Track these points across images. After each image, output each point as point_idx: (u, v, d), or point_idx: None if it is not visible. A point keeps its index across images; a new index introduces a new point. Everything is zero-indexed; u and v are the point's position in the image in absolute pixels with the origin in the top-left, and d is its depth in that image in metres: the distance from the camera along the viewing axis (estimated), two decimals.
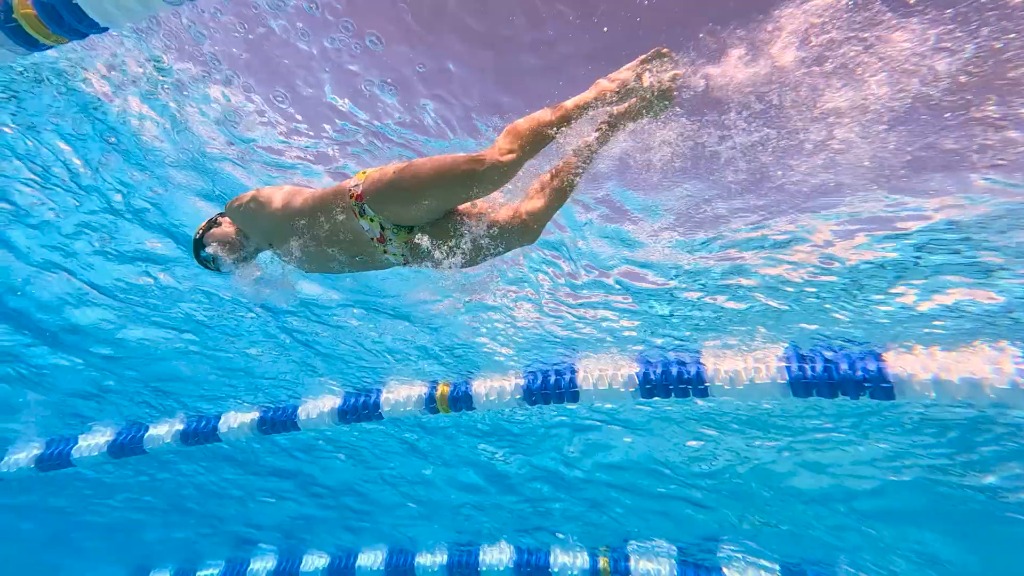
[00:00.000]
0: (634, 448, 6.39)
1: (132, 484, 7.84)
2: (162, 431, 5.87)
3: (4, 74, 3.23)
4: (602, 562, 6.91)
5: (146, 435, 5.90)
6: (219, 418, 5.73)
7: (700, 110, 2.66)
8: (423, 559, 7.51)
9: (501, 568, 7.26)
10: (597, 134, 2.46)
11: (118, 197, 4.02)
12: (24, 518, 8.81)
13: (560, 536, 7.69)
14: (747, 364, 4.18)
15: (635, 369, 4.56)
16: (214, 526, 8.68)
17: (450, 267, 2.45)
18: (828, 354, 4.18)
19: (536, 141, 2.29)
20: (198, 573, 8.44)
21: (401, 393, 5.11)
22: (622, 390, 4.55)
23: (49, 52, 3.02)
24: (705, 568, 6.94)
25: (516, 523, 7.95)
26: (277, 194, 2.57)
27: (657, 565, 6.84)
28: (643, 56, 2.38)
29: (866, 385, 3.86)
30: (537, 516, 7.84)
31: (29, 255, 4.46)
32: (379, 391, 5.30)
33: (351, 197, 2.38)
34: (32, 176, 3.92)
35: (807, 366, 4.10)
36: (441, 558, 7.46)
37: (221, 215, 2.79)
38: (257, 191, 2.64)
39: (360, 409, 5.22)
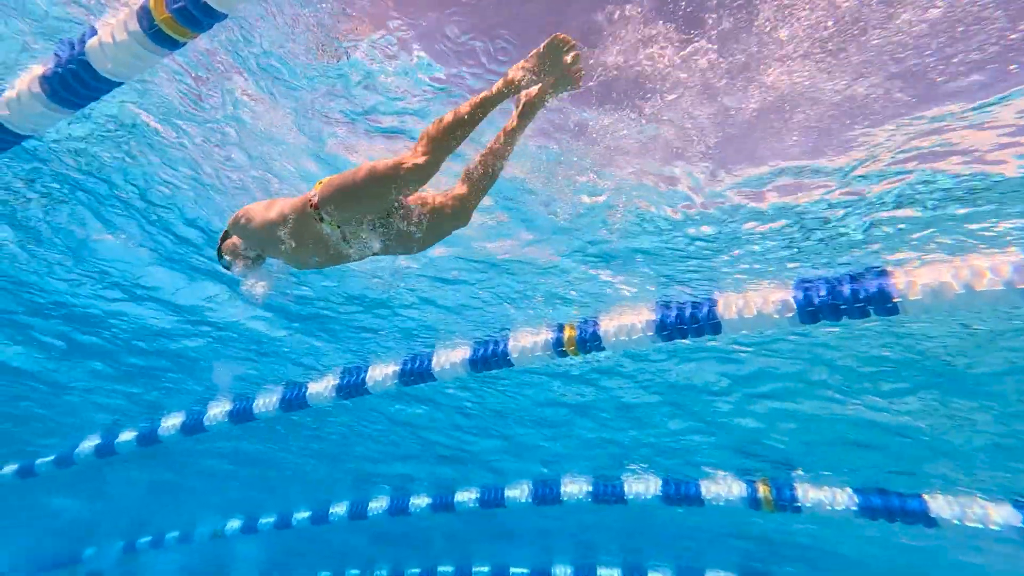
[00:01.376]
0: (787, 376, 5.77)
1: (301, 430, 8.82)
2: (320, 387, 6.43)
3: None
4: (762, 490, 6.50)
5: (308, 392, 6.51)
6: (366, 371, 6.11)
7: None
8: (569, 487, 7.64)
9: (648, 496, 7.23)
10: (515, 122, 2.76)
11: None
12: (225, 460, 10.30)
13: (707, 470, 7.43)
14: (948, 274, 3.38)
15: (789, 293, 3.95)
16: (375, 468, 9.59)
17: (405, 251, 2.93)
18: None
19: (447, 140, 2.56)
20: (371, 503, 9.40)
21: (528, 340, 4.97)
22: (776, 316, 3.99)
23: None
24: (898, 495, 6.15)
25: (662, 456, 7.79)
26: (260, 208, 2.93)
27: (829, 492, 6.24)
28: (543, 45, 2.52)
29: None
30: (683, 451, 7.60)
31: None
32: (506, 339, 5.23)
33: (311, 207, 2.75)
34: None
35: None
36: (586, 487, 7.54)
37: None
38: (246, 208, 2.99)
39: (490, 358, 5.19)
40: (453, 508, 8.31)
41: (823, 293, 3.84)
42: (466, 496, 8.32)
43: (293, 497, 10.06)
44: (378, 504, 8.97)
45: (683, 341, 4.79)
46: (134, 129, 4.05)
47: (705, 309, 4.28)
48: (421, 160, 2.53)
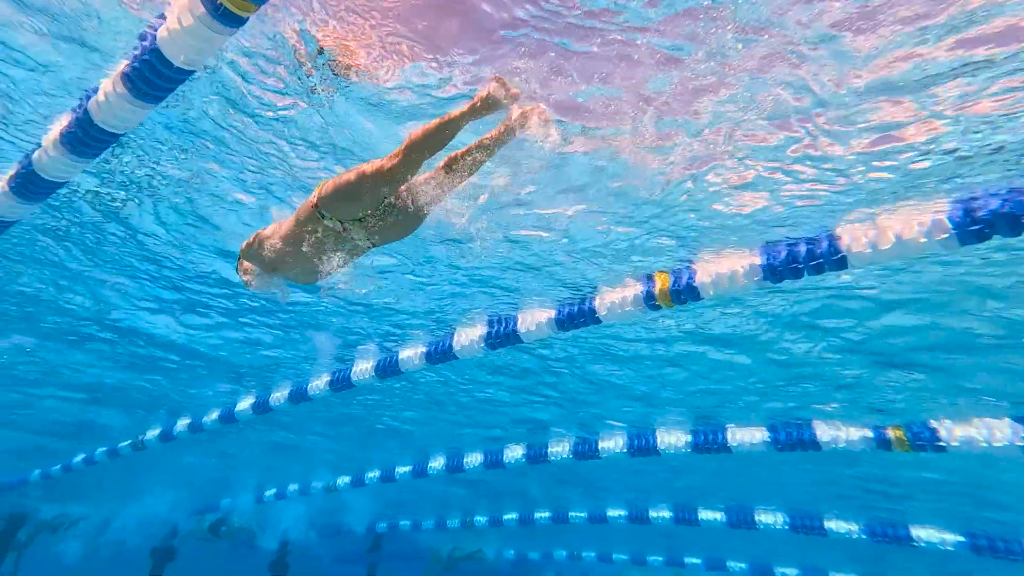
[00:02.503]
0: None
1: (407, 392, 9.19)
2: (411, 353, 6.61)
3: None
4: (893, 433, 5.98)
5: (399, 358, 6.72)
6: (452, 336, 6.19)
7: None
8: (666, 438, 7.52)
9: (755, 442, 6.94)
10: (482, 149, 3.07)
11: None
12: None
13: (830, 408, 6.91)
14: None
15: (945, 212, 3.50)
16: (475, 422, 9.86)
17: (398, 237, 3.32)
18: None
19: (420, 149, 2.89)
20: (466, 458, 9.77)
21: (616, 295, 4.74)
22: (922, 240, 3.50)
23: None
24: None
25: (774, 404, 7.36)
26: (267, 231, 3.36)
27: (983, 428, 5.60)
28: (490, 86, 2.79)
29: None
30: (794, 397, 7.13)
31: None
32: (592, 296, 5.04)
33: (313, 207, 3.11)
34: None
35: None
36: (685, 438, 7.36)
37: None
38: (255, 234, 3.43)
39: (576, 316, 5.03)
40: (547, 460, 8.43)
41: (986, 209, 3.32)
42: (560, 448, 8.40)
43: (395, 454, 10.69)
44: (473, 458, 9.32)
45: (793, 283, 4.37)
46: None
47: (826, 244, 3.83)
48: (396, 162, 2.91)
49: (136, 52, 2.93)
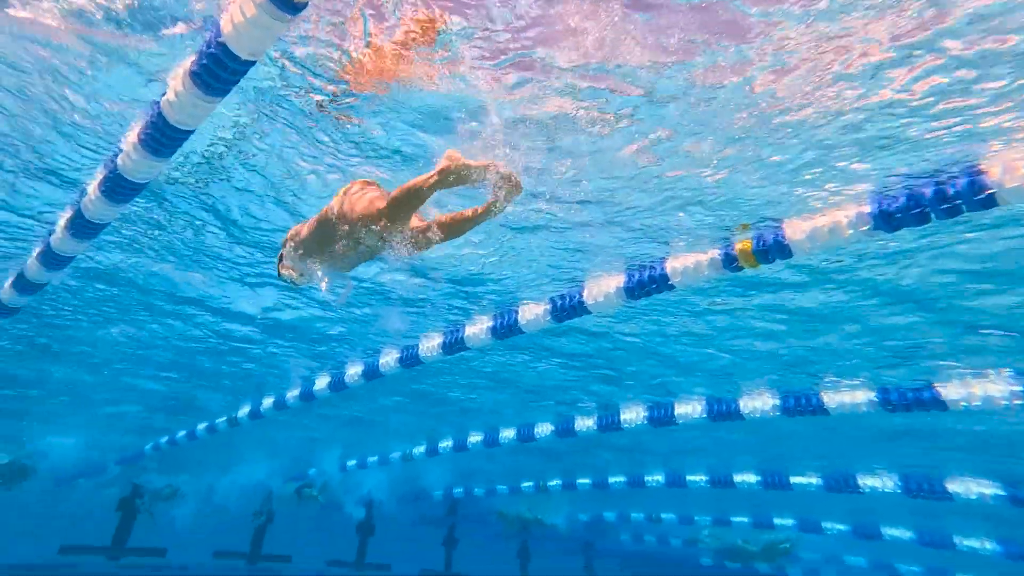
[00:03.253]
0: None
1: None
2: (474, 329, 6.65)
3: None
4: None
5: (464, 335, 6.77)
6: (517, 311, 6.16)
7: None
8: (749, 403, 7.25)
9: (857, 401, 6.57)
10: (475, 215, 3.34)
11: None
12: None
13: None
14: None
15: None
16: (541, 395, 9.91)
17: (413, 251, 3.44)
18: None
19: (405, 206, 3.16)
20: (536, 428, 9.86)
21: (689, 259, 4.51)
22: None
23: None
24: None
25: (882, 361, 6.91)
26: (301, 230, 3.63)
27: None
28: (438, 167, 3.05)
29: None
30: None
31: None
32: (662, 261, 4.82)
33: (382, 209, 3.24)
34: None
35: None
36: (773, 400, 7.08)
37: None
38: (290, 232, 3.72)
39: (647, 283, 4.84)
40: (620, 428, 8.37)
41: None
42: (633, 415, 8.30)
43: (467, 425, 10.97)
44: (544, 428, 9.40)
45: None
46: None
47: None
48: (436, 179, 3.04)
49: (201, 48, 2.96)
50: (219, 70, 2.96)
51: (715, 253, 4.36)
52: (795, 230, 3.96)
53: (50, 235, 5.21)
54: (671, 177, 4.25)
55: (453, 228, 3.43)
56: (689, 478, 11.10)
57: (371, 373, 7.98)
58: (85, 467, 15.01)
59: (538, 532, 18.50)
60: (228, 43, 2.80)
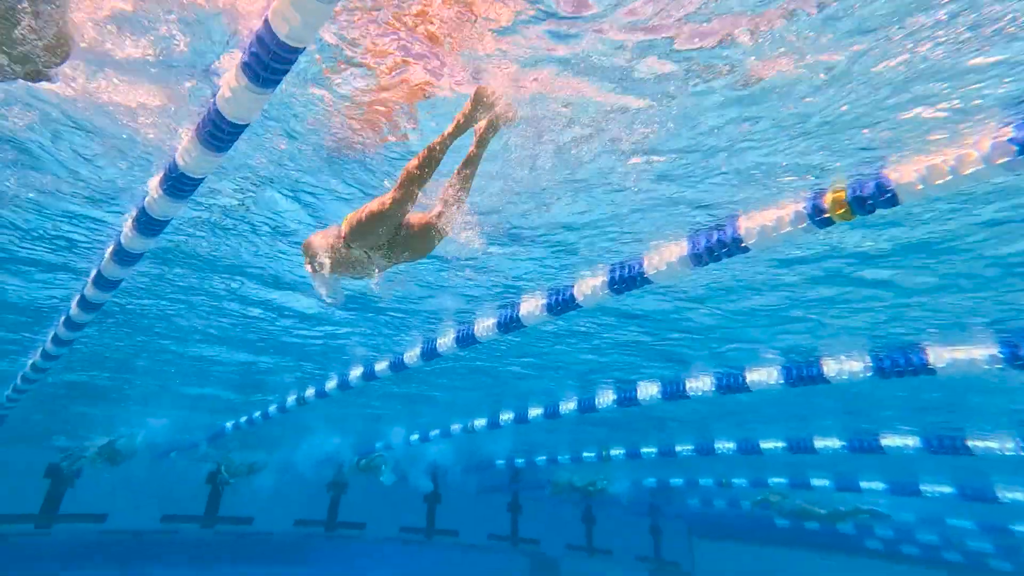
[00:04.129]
0: None
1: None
2: (531, 306, 6.54)
3: None
4: None
5: (521, 314, 6.68)
6: (572, 288, 6.02)
7: None
8: (832, 366, 6.89)
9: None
10: (473, 150, 3.58)
11: None
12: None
13: None
14: None
15: None
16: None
17: (412, 258, 3.77)
18: None
19: (417, 176, 3.36)
20: (597, 398, 9.76)
21: (767, 216, 4.17)
22: None
23: None
24: None
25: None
26: (316, 239, 3.83)
27: None
28: (470, 98, 3.39)
29: None
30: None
31: None
32: (735, 220, 4.51)
33: (340, 239, 3.61)
34: None
35: None
36: (865, 363, 6.65)
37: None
38: (307, 240, 3.92)
39: (718, 247, 4.56)
40: (687, 396, 8.15)
41: None
42: (698, 385, 8.06)
43: (526, 397, 11.02)
44: (605, 398, 9.30)
45: None
46: None
47: None
48: (399, 195, 3.34)
49: (250, 40, 2.91)
50: (270, 60, 2.91)
51: (799, 205, 4.00)
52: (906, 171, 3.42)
53: (119, 234, 5.45)
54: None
55: (454, 190, 3.60)
56: (764, 444, 10.73)
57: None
58: (177, 444, 16.36)
59: (600, 498, 18.72)
60: (275, 29, 2.74)
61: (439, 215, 3.59)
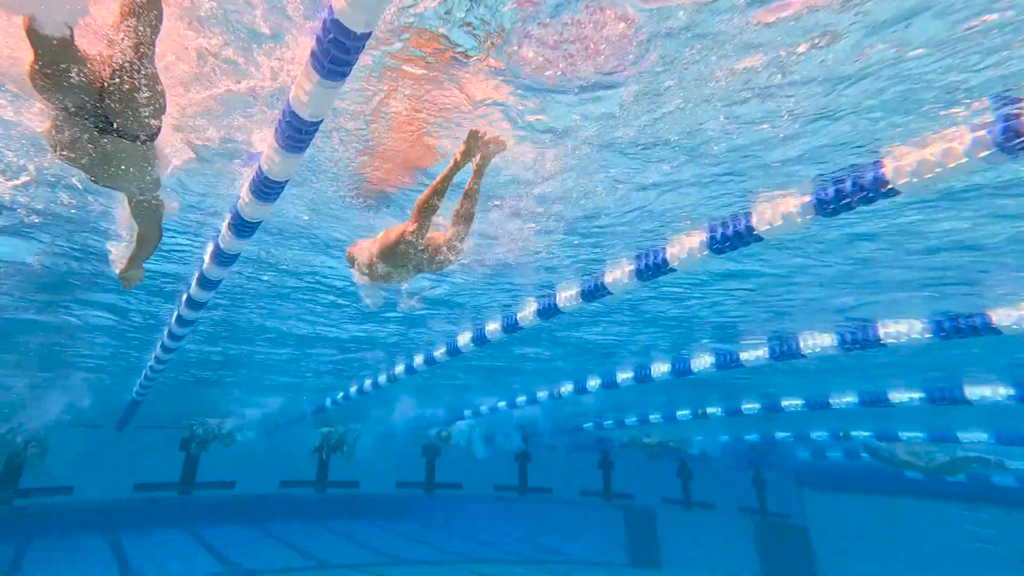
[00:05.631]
0: None
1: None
2: (618, 274, 6.16)
3: None
4: None
5: (607, 282, 6.32)
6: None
7: None
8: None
9: None
10: (473, 182, 4.15)
11: None
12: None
13: None
14: None
15: None
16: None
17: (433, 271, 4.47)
18: None
19: (429, 206, 3.89)
20: (692, 361, 9.38)
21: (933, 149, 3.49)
22: None
23: None
24: None
25: None
26: (357, 251, 4.57)
27: None
28: (464, 138, 3.83)
29: None
30: None
31: None
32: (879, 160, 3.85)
33: (374, 256, 4.31)
34: None
35: None
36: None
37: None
38: (349, 250, 4.70)
39: (850, 193, 3.95)
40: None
41: None
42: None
43: (616, 363, 10.81)
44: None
45: None
46: None
47: None
48: (415, 226, 3.92)
49: (317, 33, 2.69)
50: (338, 51, 2.69)
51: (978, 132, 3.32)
52: None
53: (216, 234, 5.62)
54: None
55: (463, 213, 4.22)
56: (895, 396, 9.90)
57: (510, 327, 7.92)
58: (288, 419, 17.92)
59: (675, 454, 18.63)
60: (341, 20, 2.50)
61: (455, 235, 4.25)
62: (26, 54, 2.52)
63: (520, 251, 6.31)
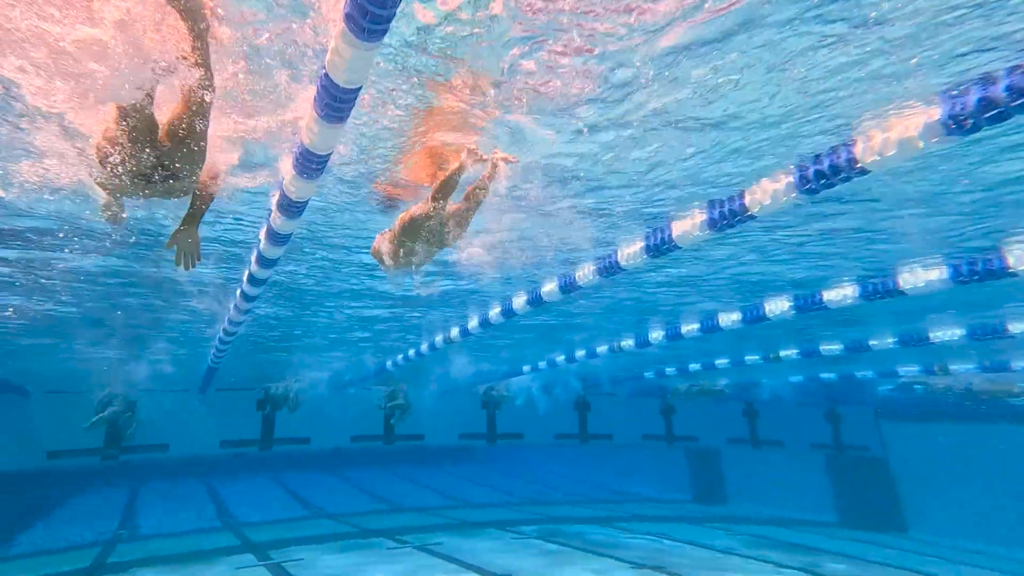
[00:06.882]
0: None
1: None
2: (687, 225, 5.66)
3: None
4: None
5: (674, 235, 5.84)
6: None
7: None
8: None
9: None
10: (484, 183, 4.80)
11: None
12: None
13: None
14: None
15: None
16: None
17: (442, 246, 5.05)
18: None
19: (440, 192, 4.57)
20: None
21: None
22: None
23: None
24: None
25: None
26: (380, 241, 5.12)
27: None
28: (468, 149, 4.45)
29: None
30: None
31: None
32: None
33: (395, 236, 4.90)
34: None
35: None
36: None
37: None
38: (376, 242, 5.21)
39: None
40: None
41: None
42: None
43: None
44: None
45: None
46: None
47: None
48: (433, 205, 4.61)
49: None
50: (373, 6, 2.30)
51: None
52: None
53: (268, 216, 5.46)
54: None
55: (466, 212, 4.82)
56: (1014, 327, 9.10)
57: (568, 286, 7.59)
58: (352, 378, 18.68)
59: (721, 396, 18.46)
60: None
61: (463, 209, 4.81)
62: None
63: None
